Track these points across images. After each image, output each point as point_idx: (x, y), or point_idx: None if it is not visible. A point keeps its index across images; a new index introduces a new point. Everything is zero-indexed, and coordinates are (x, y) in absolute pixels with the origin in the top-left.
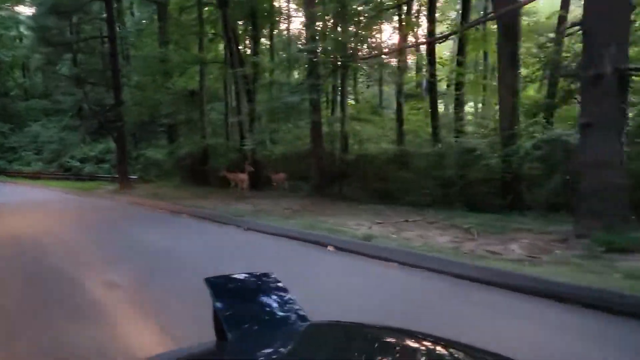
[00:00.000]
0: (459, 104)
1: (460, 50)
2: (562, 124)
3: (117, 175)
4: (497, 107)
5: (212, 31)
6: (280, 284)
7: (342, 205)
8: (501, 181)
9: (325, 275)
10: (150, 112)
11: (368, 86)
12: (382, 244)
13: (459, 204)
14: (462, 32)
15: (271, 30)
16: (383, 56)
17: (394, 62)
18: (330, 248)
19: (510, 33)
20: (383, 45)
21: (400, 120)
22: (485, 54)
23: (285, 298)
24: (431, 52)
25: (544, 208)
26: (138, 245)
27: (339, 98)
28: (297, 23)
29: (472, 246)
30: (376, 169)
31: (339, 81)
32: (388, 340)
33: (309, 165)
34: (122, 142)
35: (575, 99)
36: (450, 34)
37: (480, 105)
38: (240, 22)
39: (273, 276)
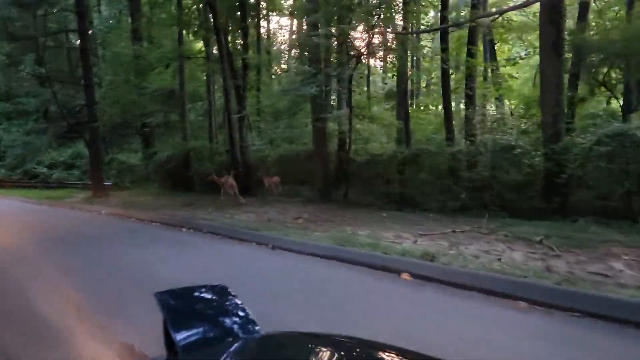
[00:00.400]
0: (471, 99)
1: (471, 39)
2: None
3: (89, 182)
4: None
5: (196, 22)
6: (233, 297)
7: (357, 212)
8: (545, 183)
9: (454, 333)
10: (125, 113)
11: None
12: (454, 265)
13: (495, 210)
14: (497, 17)
15: (257, 24)
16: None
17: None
18: (405, 276)
19: (553, 16)
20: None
21: (406, 117)
22: (485, 47)
23: (239, 310)
24: (444, 39)
25: (600, 214)
26: (144, 277)
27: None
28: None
29: (562, 265)
30: (387, 171)
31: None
32: (341, 349)
33: (306, 168)
34: (95, 145)
35: (610, 91)
36: (473, 19)
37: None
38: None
39: (226, 288)
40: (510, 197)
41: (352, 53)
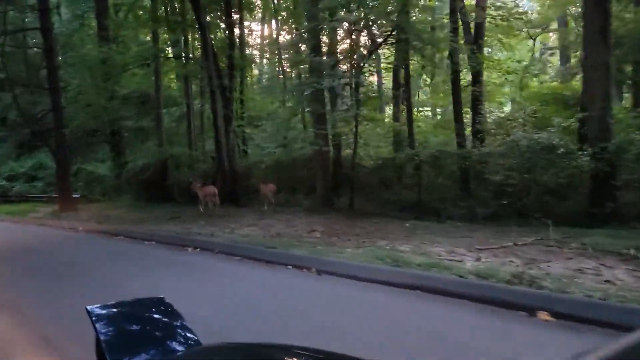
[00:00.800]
0: (478, 98)
1: (477, 34)
2: None
3: (54, 195)
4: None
5: (173, 19)
6: (171, 309)
7: (374, 222)
8: (593, 186)
9: None
10: (94, 119)
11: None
12: (577, 294)
13: (536, 216)
14: None
15: (241, 20)
16: None
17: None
18: (544, 316)
19: None
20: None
21: (410, 119)
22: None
23: (177, 323)
24: (455, 34)
25: None
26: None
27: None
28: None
29: None
30: (398, 176)
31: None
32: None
33: (303, 174)
34: (63, 154)
35: None
36: None
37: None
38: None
39: (164, 300)
40: (551, 202)
41: (367, 42)
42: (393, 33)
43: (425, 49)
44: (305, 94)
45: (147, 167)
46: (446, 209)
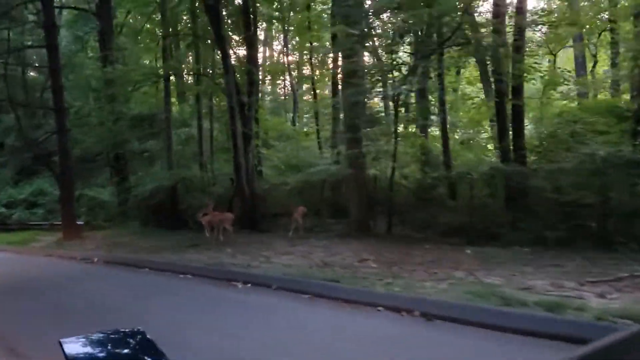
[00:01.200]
0: (520, 113)
1: (518, 40)
2: None
3: (57, 222)
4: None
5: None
6: (150, 342)
7: (428, 249)
8: None
9: None
10: (101, 142)
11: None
12: None
13: (621, 241)
14: None
15: (254, 32)
16: None
17: None
18: None
19: None
20: None
21: (445, 136)
22: None
23: (155, 357)
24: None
25: None
26: None
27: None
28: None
29: None
30: (437, 197)
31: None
32: None
33: (332, 197)
34: (68, 178)
35: None
36: None
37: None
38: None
39: (145, 335)
40: (636, 224)
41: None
42: (455, 33)
43: (487, 53)
44: (351, 105)
45: (156, 192)
46: (505, 232)
